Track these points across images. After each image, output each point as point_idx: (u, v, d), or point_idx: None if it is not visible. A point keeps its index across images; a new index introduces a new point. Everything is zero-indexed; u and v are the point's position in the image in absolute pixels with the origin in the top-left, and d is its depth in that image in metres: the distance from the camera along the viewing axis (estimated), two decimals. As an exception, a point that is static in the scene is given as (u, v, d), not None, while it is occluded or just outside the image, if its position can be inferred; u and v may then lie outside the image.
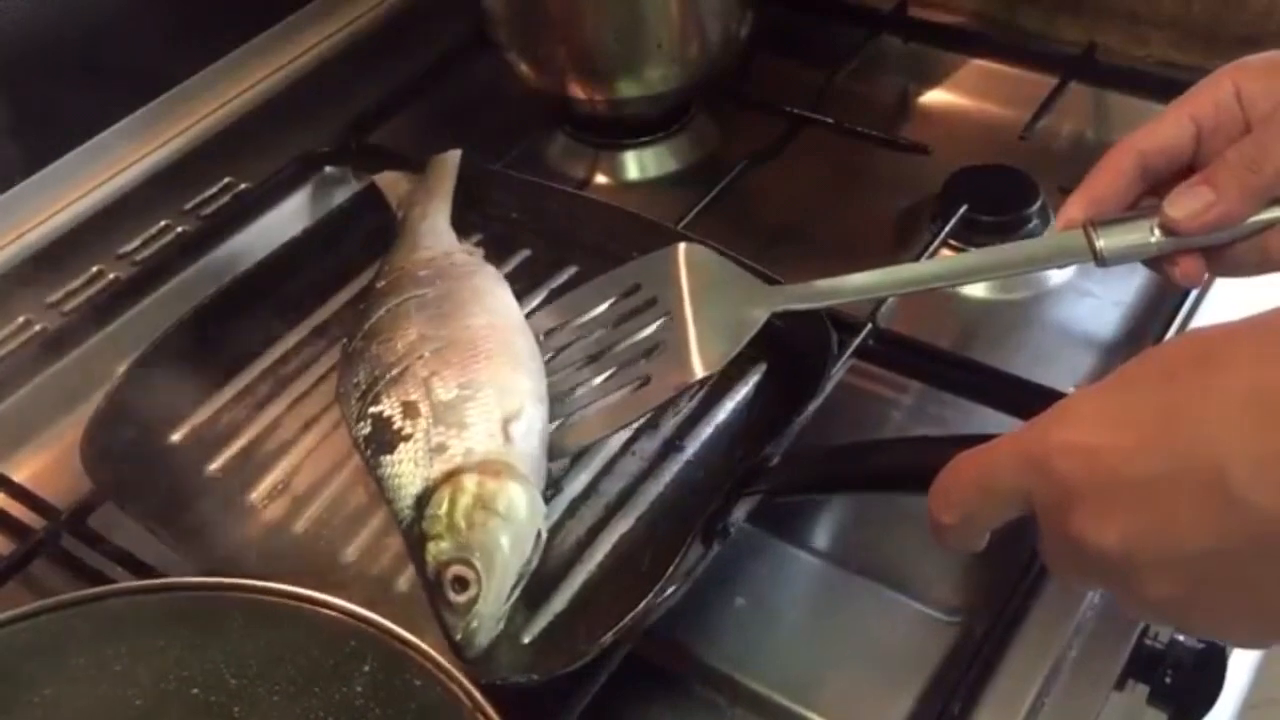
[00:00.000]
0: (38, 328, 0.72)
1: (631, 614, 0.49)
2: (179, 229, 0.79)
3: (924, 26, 0.89)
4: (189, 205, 0.80)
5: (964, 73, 0.88)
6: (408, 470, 0.53)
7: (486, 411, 0.55)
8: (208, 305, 0.66)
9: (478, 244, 0.71)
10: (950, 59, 0.88)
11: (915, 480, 0.43)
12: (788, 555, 0.60)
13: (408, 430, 0.54)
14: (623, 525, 0.56)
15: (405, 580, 0.55)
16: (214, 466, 0.61)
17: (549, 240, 0.72)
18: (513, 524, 0.51)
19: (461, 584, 0.49)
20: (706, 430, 0.61)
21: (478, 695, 0.42)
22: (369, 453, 0.55)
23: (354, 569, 0.56)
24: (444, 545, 0.50)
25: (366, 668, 0.44)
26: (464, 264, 0.64)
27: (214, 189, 0.81)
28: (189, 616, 0.46)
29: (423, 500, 0.52)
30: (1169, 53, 0.84)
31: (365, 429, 0.55)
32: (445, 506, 0.51)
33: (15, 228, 0.75)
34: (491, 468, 0.52)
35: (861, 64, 0.87)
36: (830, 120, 0.81)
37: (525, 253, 0.72)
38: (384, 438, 0.54)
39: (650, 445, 0.60)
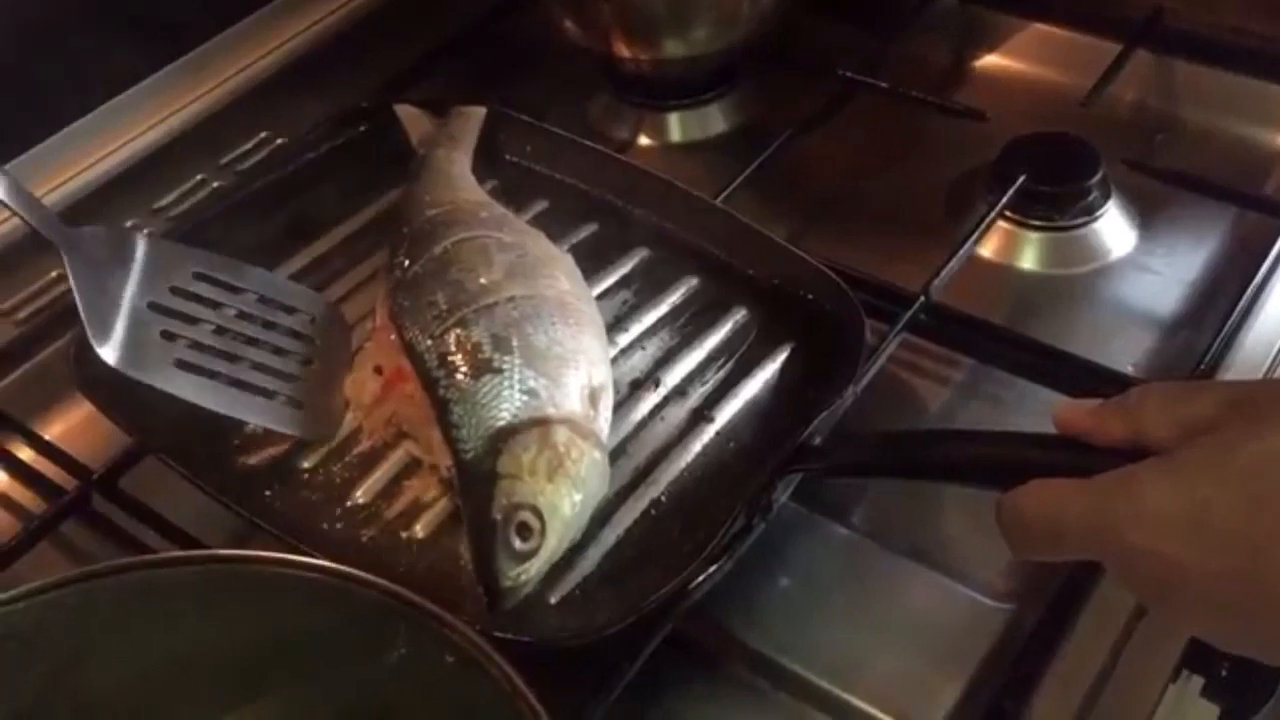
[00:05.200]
0: (69, 285, 0.71)
1: (671, 584, 0.48)
2: (214, 184, 0.77)
3: (982, -14, 0.86)
4: (224, 160, 0.79)
5: (1023, 37, 0.85)
6: (491, 403, 0.52)
7: (577, 375, 0.53)
8: (210, 220, 0.66)
9: (492, 191, 0.69)
10: (1009, 22, 0.85)
11: (982, 475, 0.42)
12: (834, 536, 0.58)
13: (498, 363, 0.53)
14: (651, 492, 0.55)
15: (421, 527, 0.54)
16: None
17: (565, 195, 0.70)
18: (586, 490, 0.50)
19: (526, 531, 0.48)
20: (736, 403, 0.59)
21: (510, 672, 0.40)
22: (443, 373, 0.53)
23: (366, 511, 0.55)
24: (520, 488, 0.49)
25: (398, 642, 0.43)
26: (518, 221, 0.63)
27: (250, 144, 0.80)
28: (221, 588, 0.44)
29: (502, 436, 0.50)
30: (1239, 19, 0.80)
31: (445, 348, 0.54)
32: (531, 451, 0.50)
33: (49, 181, 0.74)
34: (580, 429, 0.51)
35: (917, 26, 0.84)
36: (884, 84, 0.79)
37: (542, 204, 0.70)
38: (470, 362, 0.53)
39: (678, 413, 0.59)
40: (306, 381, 0.58)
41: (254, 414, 0.57)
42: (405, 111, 0.73)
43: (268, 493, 0.56)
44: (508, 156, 0.72)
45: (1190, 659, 0.54)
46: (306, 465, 0.57)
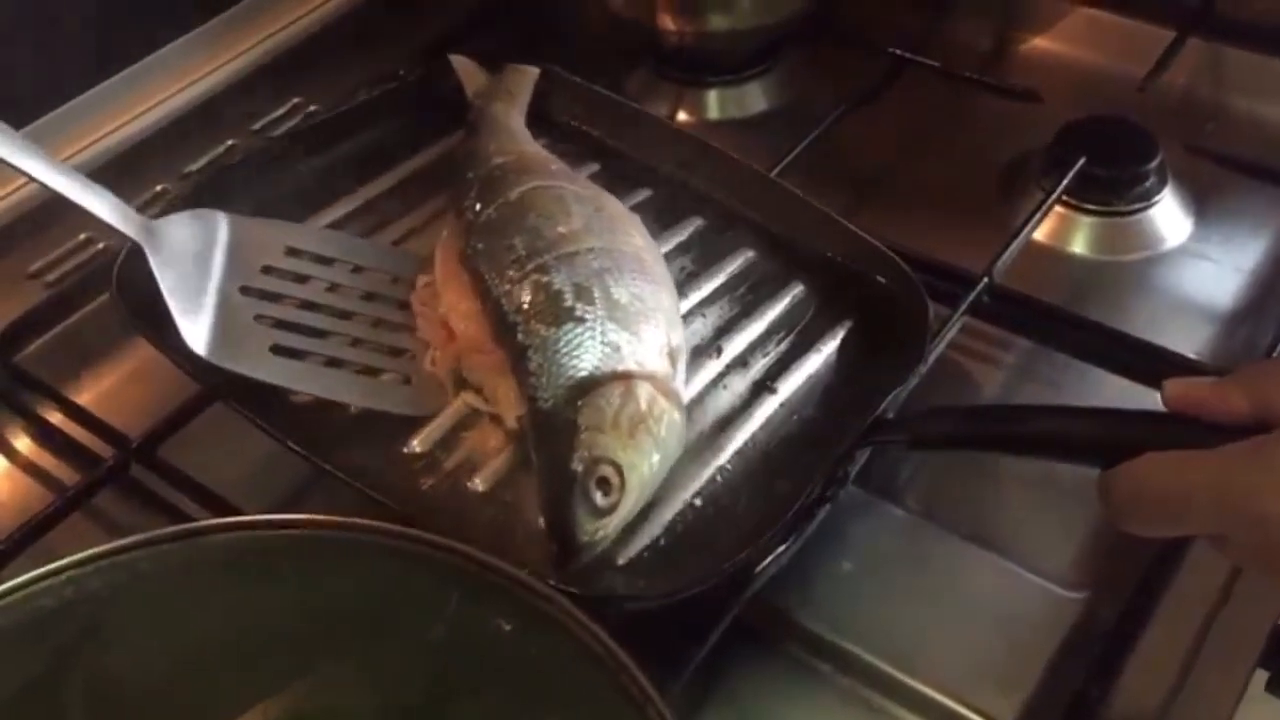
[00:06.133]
0: (100, 245, 0.68)
1: (747, 550, 0.47)
2: (245, 150, 0.75)
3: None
4: (256, 126, 0.77)
5: (1073, 20, 0.83)
6: (573, 352, 0.50)
7: (657, 332, 0.52)
8: (249, 160, 0.65)
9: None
10: (1057, 7, 0.84)
11: (1085, 451, 0.41)
12: (892, 518, 0.57)
13: (580, 313, 0.51)
14: (717, 460, 0.54)
15: (481, 480, 0.52)
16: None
17: (617, 160, 0.69)
18: (665, 451, 0.49)
19: (606, 486, 0.46)
20: (799, 377, 0.57)
21: (576, 611, 0.40)
22: (521, 319, 0.51)
23: (423, 460, 0.53)
24: (602, 441, 0.47)
25: (464, 605, 0.41)
26: (584, 178, 0.62)
27: (281, 110, 0.78)
28: (272, 553, 0.43)
29: (584, 387, 0.49)
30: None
31: (523, 294, 0.52)
32: (614, 405, 0.48)
33: (76, 141, 0.72)
34: (662, 387, 0.50)
35: (964, 7, 0.83)
36: (935, 63, 0.77)
37: (593, 167, 0.68)
38: (551, 309, 0.51)
39: (740, 383, 0.57)
40: (413, 352, 0.55)
41: (361, 396, 0.54)
42: (461, 63, 0.70)
43: (327, 438, 0.53)
44: (558, 118, 0.71)
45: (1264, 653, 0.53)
46: (355, 410, 0.55)
